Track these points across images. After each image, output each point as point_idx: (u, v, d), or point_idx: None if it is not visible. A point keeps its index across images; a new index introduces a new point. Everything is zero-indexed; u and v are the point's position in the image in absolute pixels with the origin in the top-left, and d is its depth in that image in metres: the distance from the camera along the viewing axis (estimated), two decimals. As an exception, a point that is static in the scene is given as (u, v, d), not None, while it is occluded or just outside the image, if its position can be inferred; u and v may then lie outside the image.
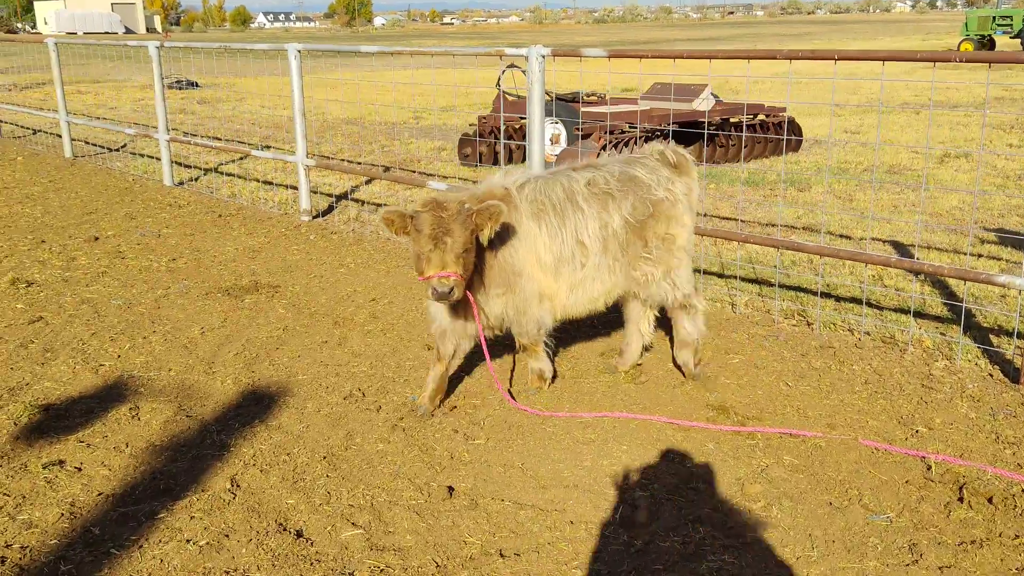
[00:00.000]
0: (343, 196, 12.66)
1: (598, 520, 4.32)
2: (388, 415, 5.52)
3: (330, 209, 11.80)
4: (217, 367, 6.30)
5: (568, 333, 6.70)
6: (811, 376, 6.08)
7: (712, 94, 15.87)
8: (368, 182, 13.45)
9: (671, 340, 6.24)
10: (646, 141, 13.18)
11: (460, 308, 5.20)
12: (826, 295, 7.72)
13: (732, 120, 15.96)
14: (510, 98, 15.19)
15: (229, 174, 14.55)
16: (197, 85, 31.04)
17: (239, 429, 5.32)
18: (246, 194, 12.76)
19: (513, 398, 5.67)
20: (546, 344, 5.70)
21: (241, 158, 15.41)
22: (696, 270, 8.42)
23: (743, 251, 9.19)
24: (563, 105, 14.29)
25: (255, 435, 5.25)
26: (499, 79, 14.79)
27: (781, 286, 7.93)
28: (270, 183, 13.47)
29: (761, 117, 15.92)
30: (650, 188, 5.69)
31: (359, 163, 15.04)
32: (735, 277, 8.34)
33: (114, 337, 6.92)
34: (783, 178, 13.37)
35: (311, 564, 3.96)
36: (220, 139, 17.63)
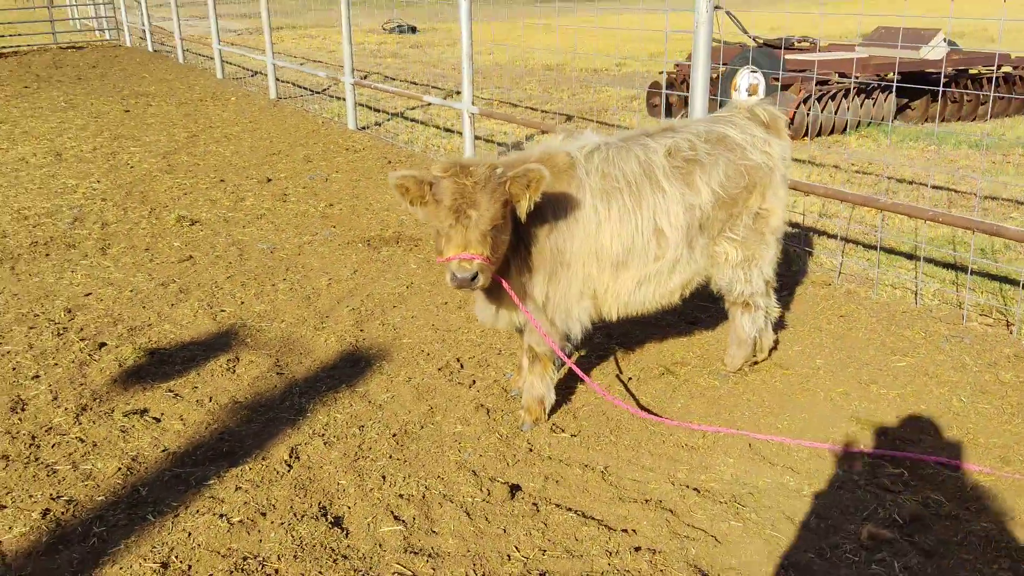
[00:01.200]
0: (519, 146, 12.20)
1: (668, 550, 3.63)
2: (478, 392, 5.06)
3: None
4: (328, 323, 6.10)
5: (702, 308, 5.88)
6: (995, 392, 4.96)
7: (947, 40, 13.82)
8: (543, 133, 12.90)
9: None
10: (862, 95, 11.70)
11: (494, 296, 4.38)
12: (1040, 290, 6.34)
13: (970, 72, 13.85)
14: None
15: (413, 120, 14.53)
16: (415, 30, 31.65)
17: (323, 393, 5.07)
18: (421, 141, 12.63)
19: (618, 394, 4.97)
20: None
21: (421, 105, 15.33)
22: (874, 247, 7.29)
23: (937, 231, 7.81)
24: (766, 52, 12.95)
25: (335, 401, 4.97)
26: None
27: (979, 274, 6.61)
28: (450, 131, 13.27)
29: (1007, 70, 13.71)
30: (745, 151, 4.71)
31: (540, 111, 14.51)
32: (930, 261, 7.08)
33: (245, 283, 6.91)
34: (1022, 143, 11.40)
35: (335, 560, 3.60)
36: (416, 83, 17.70)
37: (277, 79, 16.66)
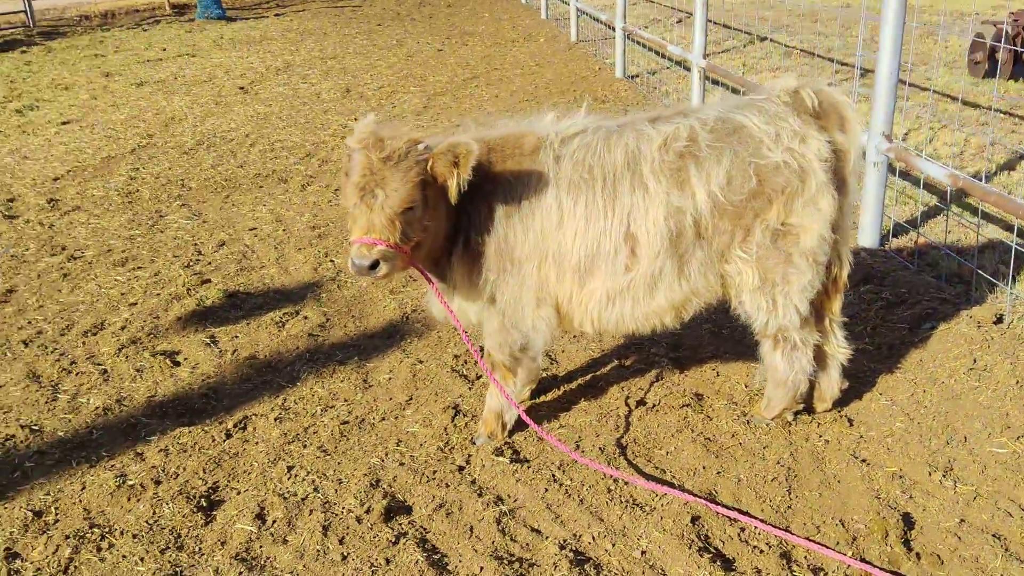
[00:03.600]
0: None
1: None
2: (470, 390, 4.63)
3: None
4: (401, 293, 5.94)
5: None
6: None
7: None
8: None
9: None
10: None
11: (447, 288, 3.93)
12: None
13: None
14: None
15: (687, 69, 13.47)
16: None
17: (326, 364, 4.99)
18: (682, 92, 11.69)
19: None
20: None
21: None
22: None
23: None
24: None
25: (330, 375, 4.87)
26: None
27: None
28: (719, 83, 12.11)
29: None
30: (760, 147, 3.61)
31: (818, 59, 12.62)
32: None
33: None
34: None
35: (170, 547, 3.53)
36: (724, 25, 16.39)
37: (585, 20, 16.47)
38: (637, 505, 3.68)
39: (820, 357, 4.21)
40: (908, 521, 3.54)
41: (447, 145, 3.46)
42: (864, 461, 3.94)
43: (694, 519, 3.57)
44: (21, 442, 4.22)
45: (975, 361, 4.57)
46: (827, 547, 3.40)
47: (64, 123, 11.41)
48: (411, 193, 3.41)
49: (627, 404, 4.45)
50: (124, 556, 3.44)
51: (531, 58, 14.81)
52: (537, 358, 4.11)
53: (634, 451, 4.07)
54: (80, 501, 3.78)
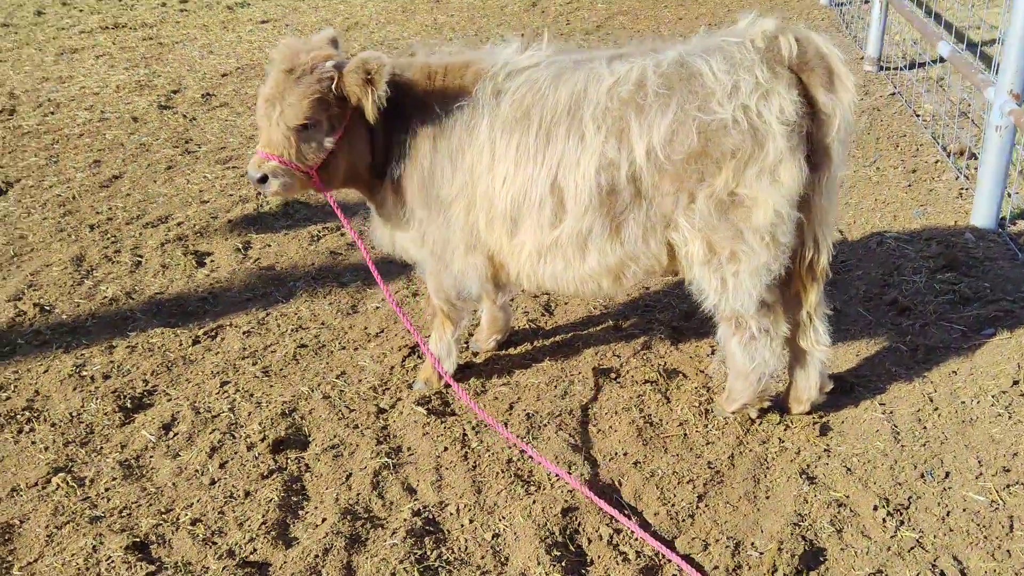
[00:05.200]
0: None
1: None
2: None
3: None
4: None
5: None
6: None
7: None
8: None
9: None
10: None
11: (385, 218, 3.73)
12: None
13: None
14: None
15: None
16: None
17: (336, 286, 4.97)
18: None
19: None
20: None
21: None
22: None
23: None
24: None
25: (328, 300, 4.84)
26: None
27: None
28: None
29: None
30: (708, 100, 3.03)
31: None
32: None
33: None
34: None
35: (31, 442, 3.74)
36: None
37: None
38: (527, 483, 3.39)
39: (796, 352, 3.60)
40: (813, 560, 2.98)
41: (357, 60, 3.28)
42: (811, 479, 3.35)
43: (568, 510, 3.22)
44: (27, 320, 4.60)
45: (1014, 384, 3.70)
46: (698, 570, 2.94)
47: (263, 22, 12.08)
48: (307, 110, 3.28)
49: (593, 371, 4.06)
50: (34, 442, 3.67)
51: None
52: (474, 306, 3.83)
53: (564, 423, 3.73)
54: (34, 383, 4.07)
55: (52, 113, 8.21)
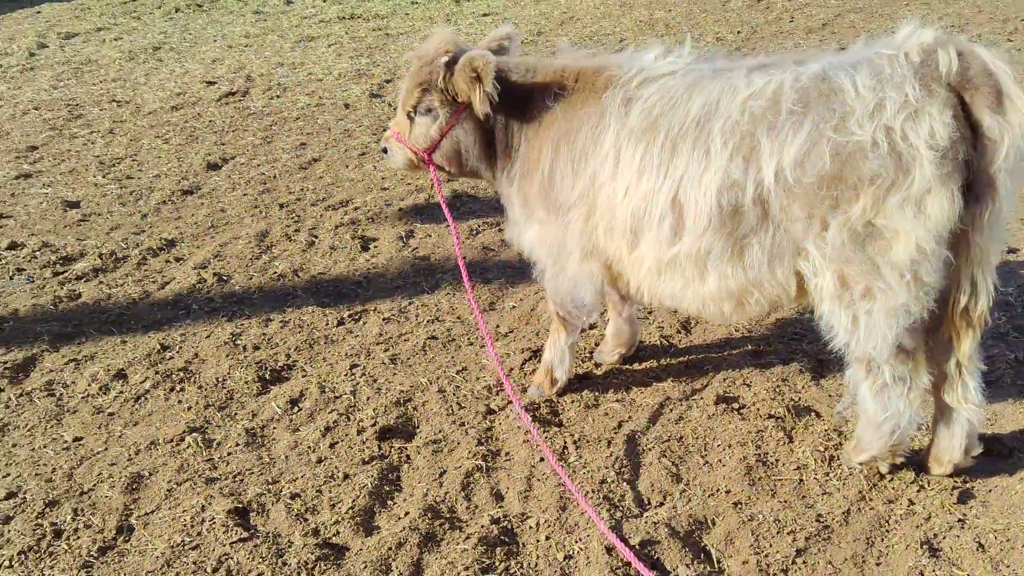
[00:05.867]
0: None
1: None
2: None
3: None
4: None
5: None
6: None
7: None
8: None
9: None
10: None
11: (512, 213, 3.76)
12: None
13: None
14: None
15: None
16: None
17: (480, 282, 5.08)
18: None
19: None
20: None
21: None
22: None
23: None
24: None
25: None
26: None
27: None
28: None
29: None
30: (846, 120, 2.73)
31: None
32: None
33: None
34: None
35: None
36: None
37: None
38: (615, 507, 3.28)
39: (941, 407, 3.22)
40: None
41: (466, 58, 3.38)
42: (934, 551, 3.00)
43: (647, 543, 3.10)
44: (206, 287, 5.06)
45: None
46: (769, 634, 2.72)
47: (484, 15, 12.48)
48: (416, 96, 3.57)
49: (716, 399, 3.88)
50: (180, 401, 4.04)
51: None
52: (591, 315, 3.77)
53: (670, 449, 3.58)
54: (196, 347, 4.47)
55: (278, 97, 8.94)
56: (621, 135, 3.25)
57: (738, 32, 10.30)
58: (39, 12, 13.39)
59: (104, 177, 6.82)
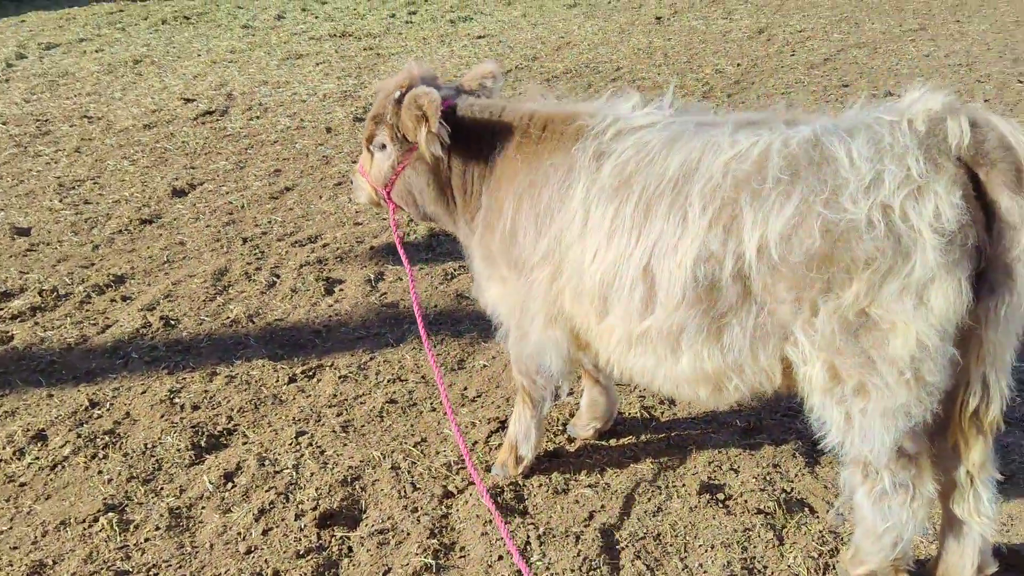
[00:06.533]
0: None
1: None
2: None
3: None
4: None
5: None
6: None
7: None
8: None
9: None
10: None
11: (473, 266, 3.42)
12: None
13: None
14: None
15: None
16: None
17: (449, 336, 4.67)
18: None
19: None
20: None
21: None
22: None
23: None
24: None
25: (436, 350, 4.55)
26: None
27: None
28: None
29: None
30: (839, 193, 2.35)
31: None
32: None
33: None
34: None
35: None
36: None
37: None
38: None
39: (950, 518, 2.82)
40: None
41: (411, 95, 3.11)
42: None
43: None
44: (150, 332, 4.64)
45: None
46: None
47: (479, 37, 12.13)
48: (370, 129, 3.32)
49: (699, 487, 3.45)
50: (101, 471, 3.62)
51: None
52: (559, 386, 3.39)
53: (646, 549, 3.16)
54: (128, 404, 4.05)
55: (258, 117, 8.57)
56: (591, 192, 2.88)
57: (738, 65, 9.95)
58: (23, 21, 13.04)
59: (61, 201, 6.42)
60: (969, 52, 10.01)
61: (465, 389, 4.15)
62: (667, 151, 2.77)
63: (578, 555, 3.11)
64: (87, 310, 4.85)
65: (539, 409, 3.45)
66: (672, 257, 2.66)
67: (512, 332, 3.28)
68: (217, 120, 8.47)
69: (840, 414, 2.60)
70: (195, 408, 4.00)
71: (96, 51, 11.30)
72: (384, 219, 6.00)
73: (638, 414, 3.92)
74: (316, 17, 13.39)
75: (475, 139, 3.19)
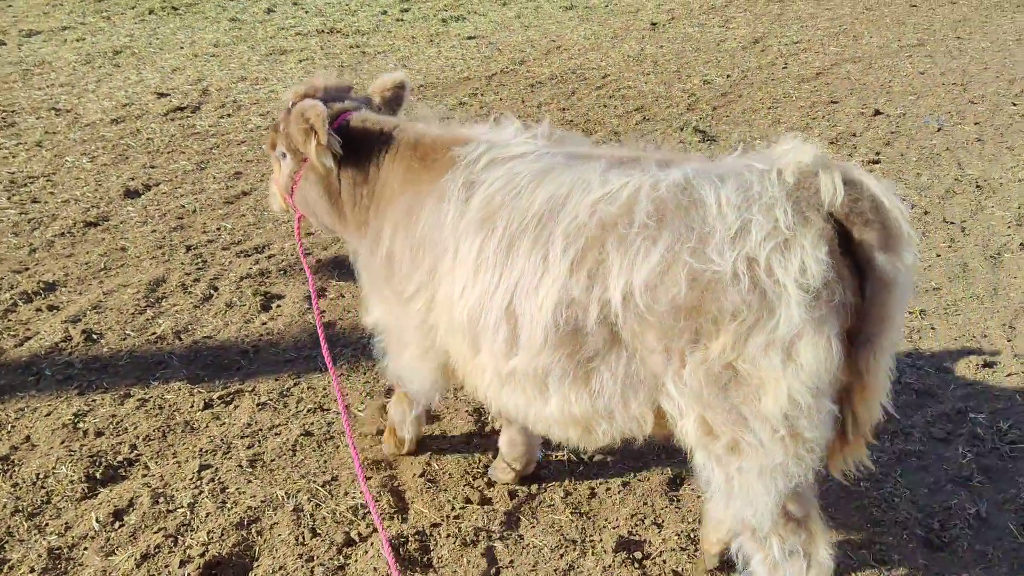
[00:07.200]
0: None
1: None
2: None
3: None
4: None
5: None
6: None
7: None
8: None
9: None
10: None
11: None
12: None
13: None
14: None
15: None
16: None
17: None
18: None
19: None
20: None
21: None
22: None
23: None
24: None
25: (372, 376, 4.33)
26: None
27: None
28: None
29: None
30: (705, 242, 2.20)
31: None
32: None
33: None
34: None
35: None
36: None
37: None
38: None
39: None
40: None
41: (298, 108, 3.00)
42: None
43: None
44: (69, 347, 4.42)
45: None
46: None
47: (469, 38, 11.88)
48: (272, 136, 3.30)
49: (616, 544, 3.24)
50: (-14, 501, 3.39)
51: None
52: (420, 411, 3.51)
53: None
54: (30, 427, 3.84)
55: (229, 115, 8.35)
56: (460, 224, 2.71)
57: (727, 76, 9.69)
58: (10, 6, 12.85)
59: (9, 200, 6.21)
60: (965, 71, 9.73)
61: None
62: (535, 185, 2.60)
63: (475, 619, 2.88)
64: (9, 320, 4.64)
65: (417, 406, 3.45)
66: (533, 299, 2.50)
67: (391, 353, 3.17)
68: (187, 117, 8.26)
69: (721, 474, 2.43)
70: (98, 434, 3.78)
71: (77, 40, 11.10)
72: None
73: (564, 456, 3.69)
74: (306, 12, 13.15)
75: (364, 155, 3.05)
